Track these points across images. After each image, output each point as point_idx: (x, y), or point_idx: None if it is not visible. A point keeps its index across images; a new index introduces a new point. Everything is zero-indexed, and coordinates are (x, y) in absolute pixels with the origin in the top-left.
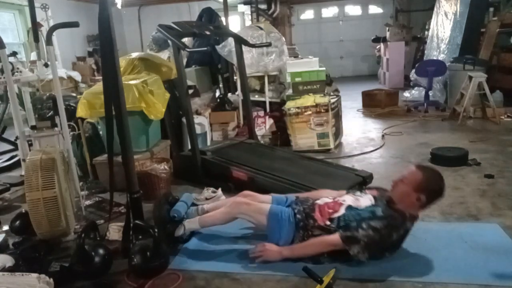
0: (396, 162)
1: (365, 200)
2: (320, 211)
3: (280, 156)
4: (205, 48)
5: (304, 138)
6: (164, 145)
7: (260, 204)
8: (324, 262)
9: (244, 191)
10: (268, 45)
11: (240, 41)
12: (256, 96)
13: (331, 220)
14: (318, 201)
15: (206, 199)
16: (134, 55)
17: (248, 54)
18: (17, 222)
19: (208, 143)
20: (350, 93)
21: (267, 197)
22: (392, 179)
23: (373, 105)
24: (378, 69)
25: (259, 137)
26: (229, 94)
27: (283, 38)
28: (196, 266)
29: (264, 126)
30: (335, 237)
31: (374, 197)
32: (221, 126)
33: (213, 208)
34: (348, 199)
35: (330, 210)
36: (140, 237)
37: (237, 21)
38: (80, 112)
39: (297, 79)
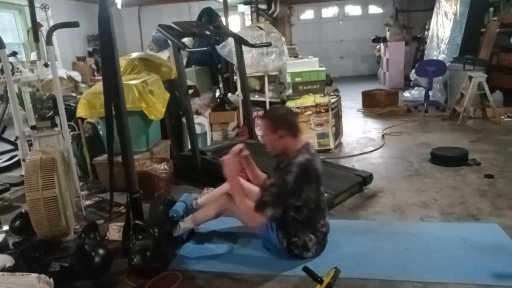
0: (396, 162)
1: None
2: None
3: None
4: (205, 48)
5: (304, 138)
6: (164, 145)
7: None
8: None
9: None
10: (268, 45)
11: (240, 41)
12: (256, 96)
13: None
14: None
15: None
16: (134, 55)
17: (248, 54)
18: (17, 222)
19: (208, 143)
20: (350, 93)
21: (255, 188)
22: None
23: (373, 105)
24: (378, 69)
25: (259, 137)
26: (229, 94)
27: (283, 38)
28: (196, 266)
29: None
30: (251, 203)
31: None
32: (221, 126)
33: (207, 200)
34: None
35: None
36: (140, 237)
37: (237, 21)
38: (80, 112)
39: (297, 79)
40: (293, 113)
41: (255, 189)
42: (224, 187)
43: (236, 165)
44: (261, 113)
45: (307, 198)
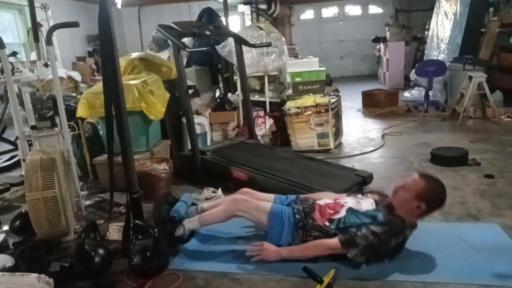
0: (396, 162)
1: (366, 203)
2: (320, 211)
3: (280, 156)
4: (205, 48)
5: (304, 138)
6: (164, 145)
7: (260, 202)
8: (320, 262)
9: (242, 189)
10: (268, 45)
11: (240, 41)
12: (256, 96)
13: (330, 221)
14: (319, 201)
15: (206, 199)
16: (134, 55)
17: (248, 54)
18: (17, 222)
19: (208, 143)
20: (350, 93)
21: (268, 196)
22: (394, 185)
23: (373, 105)
24: (378, 69)
25: (259, 137)
26: (229, 94)
27: (283, 38)
28: (196, 266)
29: (264, 126)
30: (334, 241)
31: (375, 201)
32: (221, 126)
33: (212, 206)
34: (350, 201)
35: (331, 211)
36: (140, 237)
37: (237, 21)
38: (80, 112)
39: (297, 79)
40: (445, 200)
41: (265, 197)
42: (232, 196)
43: (272, 253)
44: (261, 113)
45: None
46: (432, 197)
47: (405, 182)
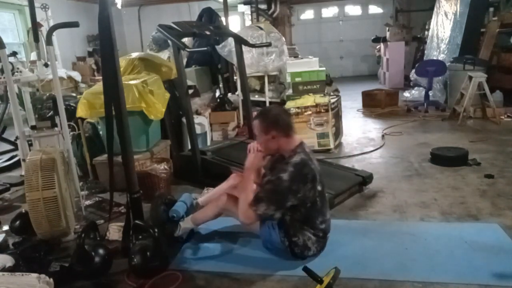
0: (396, 162)
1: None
2: None
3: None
4: (205, 48)
5: (304, 138)
6: (164, 145)
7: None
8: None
9: (233, 174)
10: (268, 45)
11: (240, 41)
12: (256, 96)
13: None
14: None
15: None
16: (134, 55)
17: (248, 54)
18: (17, 222)
19: (208, 143)
20: (350, 93)
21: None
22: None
23: (373, 105)
24: (378, 69)
25: None
26: (229, 94)
27: (283, 38)
28: (196, 266)
29: None
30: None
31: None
32: (221, 126)
33: (206, 201)
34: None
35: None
36: (140, 237)
37: (237, 21)
38: (80, 112)
39: (297, 79)
40: (286, 113)
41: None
42: (224, 185)
43: (259, 160)
44: None
45: (303, 197)
46: (269, 120)
47: (255, 134)
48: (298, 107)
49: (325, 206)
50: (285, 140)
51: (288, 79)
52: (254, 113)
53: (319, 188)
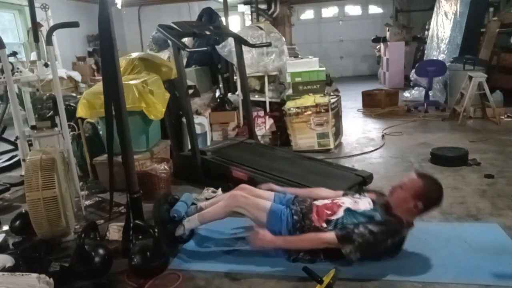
0: (396, 162)
1: (363, 203)
2: (317, 212)
3: (280, 156)
4: (205, 48)
5: (304, 138)
6: (164, 145)
7: (259, 200)
8: (319, 262)
9: (241, 185)
10: (268, 45)
11: (240, 41)
12: (256, 96)
13: (328, 222)
14: (316, 202)
15: (206, 199)
16: (134, 55)
17: (248, 54)
18: (17, 222)
19: (208, 143)
20: (350, 93)
21: (266, 193)
22: (391, 184)
23: (373, 105)
24: (378, 69)
25: (259, 137)
26: (229, 94)
27: (283, 38)
28: (196, 266)
29: (264, 126)
30: (331, 235)
31: (373, 201)
32: (221, 126)
33: (211, 205)
34: (347, 202)
35: (328, 212)
36: (140, 237)
37: (237, 21)
38: (80, 112)
39: (297, 79)
40: (442, 200)
41: (263, 193)
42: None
43: (266, 237)
44: (261, 113)
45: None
46: (429, 197)
47: (403, 181)
48: (298, 107)
49: None
50: (415, 214)
51: (288, 79)
52: (254, 113)
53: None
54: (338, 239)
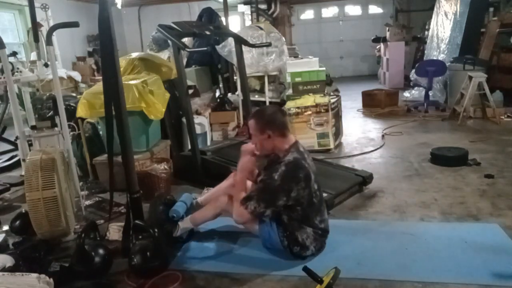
0: (396, 162)
1: None
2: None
3: None
4: (205, 48)
5: (304, 138)
6: (164, 145)
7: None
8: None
9: (231, 174)
10: (268, 45)
11: (240, 41)
12: (256, 96)
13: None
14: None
15: None
16: (134, 55)
17: (248, 54)
18: (17, 222)
19: (208, 143)
20: (350, 93)
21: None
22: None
23: (373, 105)
24: (378, 69)
25: None
26: (229, 94)
27: (283, 38)
28: (196, 266)
29: None
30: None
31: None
32: (221, 126)
33: (206, 200)
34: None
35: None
36: (140, 237)
37: (237, 21)
38: (80, 112)
39: (297, 79)
40: (281, 112)
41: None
42: (224, 184)
43: (252, 163)
44: None
45: (298, 197)
46: (265, 120)
47: (249, 134)
48: (298, 107)
49: (322, 206)
50: (280, 139)
51: (288, 79)
52: None
53: (315, 187)
54: (241, 203)
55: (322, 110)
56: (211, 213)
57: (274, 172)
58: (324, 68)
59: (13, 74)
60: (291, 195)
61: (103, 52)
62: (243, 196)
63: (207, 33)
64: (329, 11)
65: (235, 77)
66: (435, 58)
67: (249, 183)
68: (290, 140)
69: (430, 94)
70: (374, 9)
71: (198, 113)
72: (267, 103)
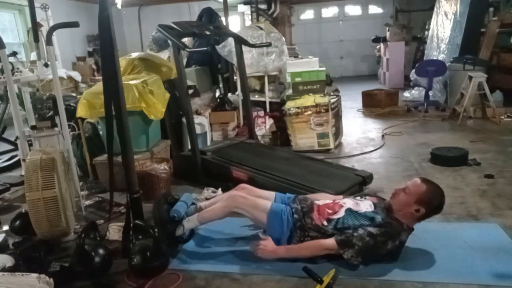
0: (396, 162)
1: (365, 205)
2: (318, 210)
3: (280, 156)
4: (205, 48)
5: (304, 138)
6: (164, 145)
7: (258, 200)
8: (320, 262)
9: (241, 184)
10: (268, 45)
11: (240, 41)
12: (256, 96)
13: (328, 220)
14: (317, 201)
15: (206, 199)
16: (134, 55)
17: (248, 54)
18: (17, 222)
19: (208, 143)
20: (350, 93)
21: (267, 193)
22: (394, 185)
23: (373, 105)
24: (378, 69)
25: (259, 137)
26: (229, 94)
27: (283, 38)
28: (196, 266)
29: (264, 126)
30: (331, 241)
31: (374, 204)
32: (221, 126)
33: (211, 204)
34: (348, 202)
35: (330, 211)
36: (140, 237)
37: (237, 21)
38: (80, 112)
39: (297, 79)
40: (443, 206)
41: (264, 194)
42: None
43: (268, 247)
44: (261, 113)
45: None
46: (431, 202)
47: (407, 185)
48: (298, 107)
49: None
50: (416, 219)
51: (288, 79)
52: (254, 113)
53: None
54: (338, 245)
55: (322, 110)
56: (222, 213)
57: (391, 239)
58: (324, 68)
59: (13, 74)
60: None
61: (103, 52)
62: (341, 239)
63: (207, 33)
64: (329, 11)
65: (235, 77)
66: (435, 58)
67: (249, 187)
68: (415, 223)
69: (430, 94)
70: (374, 9)
71: (198, 113)
72: (267, 103)
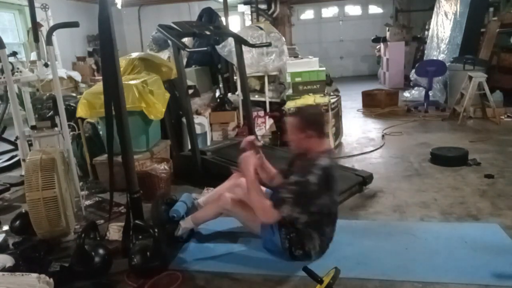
0: (396, 162)
1: None
2: None
3: (280, 156)
4: (205, 48)
5: None
6: (164, 145)
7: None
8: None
9: (234, 174)
10: (268, 45)
11: (240, 41)
12: (256, 96)
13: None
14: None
15: None
16: (134, 55)
17: (248, 54)
18: (17, 222)
19: (208, 143)
20: (350, 93)
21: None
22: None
23: (373, 105)
24: (378, 69)
25: (259, 137)
26: (229, 94)
27: (283, 38)
28: (196, 266)
29: (264, 126)
30: (270, 204)
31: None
32: (221, 126)
33: (208, 200)
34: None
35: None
36: (140, 237)
37: (237, 21)
38: (80, 112)
39: (297, 79)
40: (323, 114)
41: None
42: (225, 185)
43: (253, 159)
44: (261, 113)
45: (322, 205)
46: (308, 120)
47: (286, 128)
48: (298, 107)
49: (337, 216)
50: (317, 141)
51: (288, 79)
52: (254, 113)
53: (335, 197)
54: (274, 206)
55: (322, 110)
56: (213, 212)
57: (310, 175)
58: (324, 68)
59: (13, 74)
60: (318, 202)
61: (103, 52)
62: (276, 199)
63: (207, 33)
64: (329, 11)
65: (235, 77)
66: (435, 58)
67: (242, 180)
68: (325, 145)
69: (430, 94)
70: (374, 9)
71: (198, 113)
72: (267, 103)
